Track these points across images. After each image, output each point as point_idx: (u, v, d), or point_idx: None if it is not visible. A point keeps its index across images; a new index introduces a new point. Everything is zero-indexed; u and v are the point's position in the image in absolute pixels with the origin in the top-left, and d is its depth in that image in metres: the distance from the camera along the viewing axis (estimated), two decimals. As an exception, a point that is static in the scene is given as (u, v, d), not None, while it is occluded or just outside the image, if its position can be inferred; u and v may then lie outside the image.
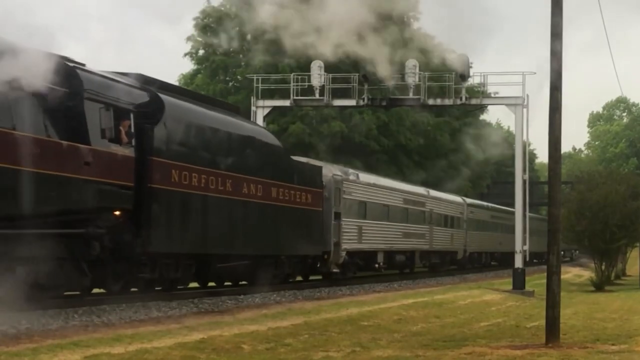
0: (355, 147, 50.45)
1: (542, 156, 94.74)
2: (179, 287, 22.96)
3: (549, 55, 15.76)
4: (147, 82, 21.11)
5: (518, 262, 33.93)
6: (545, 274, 15.95)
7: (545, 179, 64.45)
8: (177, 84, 57.07)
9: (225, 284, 26.16)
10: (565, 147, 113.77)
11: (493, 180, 76.01)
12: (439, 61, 34.48)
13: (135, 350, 12.73)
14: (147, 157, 19.68)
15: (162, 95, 20.81)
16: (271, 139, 26.95)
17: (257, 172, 24.58)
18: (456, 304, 25.40)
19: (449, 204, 47.10)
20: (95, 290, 20.39)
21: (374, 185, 35.81)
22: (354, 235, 32.46)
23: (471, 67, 34.46)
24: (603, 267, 42.83)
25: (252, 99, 36.16)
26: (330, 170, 31.16)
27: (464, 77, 34.25)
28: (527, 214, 34.63)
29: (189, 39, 55.37)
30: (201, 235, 21.96)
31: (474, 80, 37.52)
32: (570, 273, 54.46)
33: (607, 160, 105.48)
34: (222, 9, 54.78)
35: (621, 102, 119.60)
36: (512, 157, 36.18)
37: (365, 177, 35.67)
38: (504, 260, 57.94)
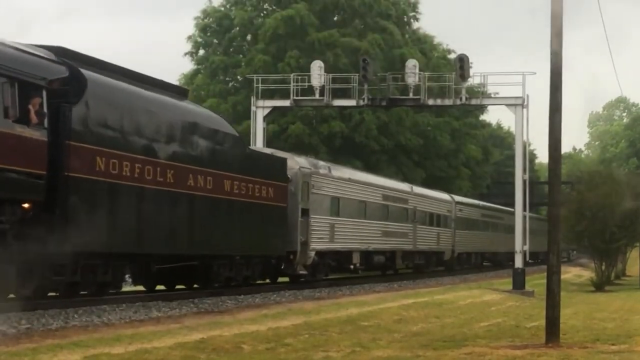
0: (355, 147, 50.47)
1: (542, 156, 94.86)
2: (111, 291, 20.30)
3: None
4: (67, 56, 18.42)
5: (518, 262, 33.94)
6: (545, 274, 15.95)
7: (545, 179, 64.50)
8: (177, 84, 57.35)
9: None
10: (565, 148, 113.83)
11: (493, 180, 76.00)
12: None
13: (135, 350, 12.73)
14: (63, 141, 17.08)
15: (84, 71, 18.14)
16: (225, 126, 24.15)
17: (207, 163, 22.04)
18: (456, 304, 25.39)
19: (435, 201, 44.70)
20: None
21: (349, 180, 33.08)
22: (324, 234, 30.04)
23: (471, 67, 34.50)
24: (603, 267, 42.83)
25: (252, 99, 36.16)
26: (297, 163, 28.68)
27: (463, 76, 34.24)
28: (527, 213, 34.62)
29: (189, 38, 55.43)
30: (135, 232, 19.51)
31: (474, 80, 37.58)
32: (570, 273, 54.42)
33: (607, 160, 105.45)
34: (222, 9, 54.86)
35: (621, 102, 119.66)
36: (512, 157, 36.21)
37: (339, 171, 32.98)
38: (496, 260, 57.73)
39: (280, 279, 29.61)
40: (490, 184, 74.07)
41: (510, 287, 33.40)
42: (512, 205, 36.12)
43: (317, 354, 13.52)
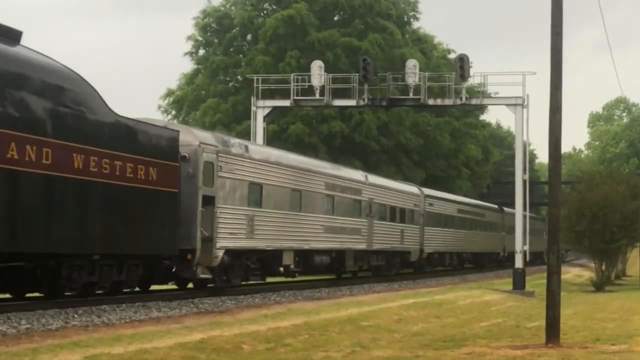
0: (356, 147, 50.50)
1: (542, 156, 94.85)
2: None
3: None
4: None
5: (518, 263, 33.94)
6: (545, 274, 15.96)
7: (545, 179, 64.48)
8: (177, 83, 57.42)
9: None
10: (565, 147, 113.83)
11: (493, 180, 76.05)
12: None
13: (135, 350, 12.73)
14: None
15: None
16: (80, 83, 18.40)
17: (45, 130, 16.96)
18: (456, 304, 25.39)
19: (398, 193, 38.99)
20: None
21: (277, 163, 27.38)
22: (239, 229, 24.58)
23: (471, 66, 34.53)
24: (603, 267, 42.85)
25: (253, 99, 36.16)
26: (197, 138, 23.08)
27: (463, 76, 34.25)
28: (527, 213, 34.62)
29: (189, 38, 55.45)
30: None
31: (474, 80, 37.60)
32: (570, 273, 54.45)
33: (607, 160, 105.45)
34: (222, 8, 54.88)
35: (621, 102, 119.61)
36: (512, 157, 36.20)
37: (261, 152, 27.30)
38: (476, 261, 54.13)
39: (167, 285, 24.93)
40: (491, 184, 74.09)
41: (510, 287, 33.39)
42: (513, 205, 36.09)
43: (317, 354, 13.52)
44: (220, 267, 23.79)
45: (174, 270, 22.93)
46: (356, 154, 50.02)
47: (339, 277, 34.30)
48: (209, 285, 24.32)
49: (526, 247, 34.29)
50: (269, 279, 29.25)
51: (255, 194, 25.73)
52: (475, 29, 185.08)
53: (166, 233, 21.12)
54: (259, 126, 35.33)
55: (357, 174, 35.14)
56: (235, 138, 27.32)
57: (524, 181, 34.14)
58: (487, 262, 56.25)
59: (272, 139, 40.72)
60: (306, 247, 28.83)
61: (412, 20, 58.54)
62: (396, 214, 38.19)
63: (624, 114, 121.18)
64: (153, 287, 23.46)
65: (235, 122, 49.49)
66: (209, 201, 22.88)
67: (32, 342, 13.30)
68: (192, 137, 22.86)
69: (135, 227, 19.95)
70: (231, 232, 24.10)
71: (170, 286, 25.09)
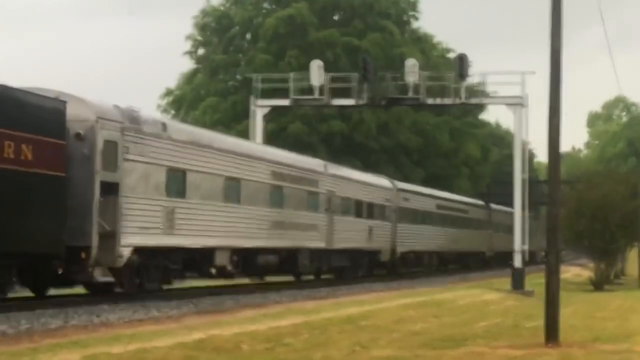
0: (355, 146, 50.53)
1: (541, 155, 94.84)
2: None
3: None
4: None
5: (517, 262, 33.95)
6: (544, 273, 15.95)
7: (544, 178, 64.46)
8: (176, 83, 57.45)
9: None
10: (565, 147, 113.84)
11: (493, 180, 76.03)
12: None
13: (135, 350, 12.72)
14: None
15: None
16: None
17: None
18: (455, 304, 25.39)
19: (365, 186, 35.11)
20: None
21: (206, 146, 23.31)
22: (154, 222, 20.75)
23: (470, 66, 34.57)
24: (602, 266, 42.84)
25: (252, 99, 36.15)
26: (94, 111, 19.04)
27: (462, 75, 34.27)
28: (525, 211, 34.65)
29: (188, 37, 55.49)
30: None
31: (473, 79, 37.64)
32: (569, 273, 54.44)
33: (606, 159, 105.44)
34: (222, 8, 54.93)
35: (620, 102, 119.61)
36: (512, 157, 36.23)
37: (184, 131, 23.13)
38: (460, 261, 50.87)
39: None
40: (490, 183, 74.05)
41: (509, 286, 33.40)
42: (512, 204, 36.09)
43: (317, 353, 13.51)
44: (129, 268, 19.91)
45: (60, 272, 18.84)
46: (356, 154, 50.05)
47: (297, 280, 30.86)
48: (116, 290, 20.70)
49: (525, 247, 34.31)
50: (269, 279, 29.10)
51: (177, 182, 21.81)
52: (475, 29, 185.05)
53: (48, 226, 17.73)
54: (258, 126, 35.33)
55: (314, 163, 31.16)
56: (152, 114, 22.30)
57: (523, 180, 34.17)
58: (472, 262, 53.12)
59: (271, 139, 40.76)
60: (247, 245, 25.04)
61: (411, 19, 58.63)
62: (363, 209, 34.46)
63: (623, 114, 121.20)
64: (63, 292, 20.64)
65: (235, 121, 49.52)
66: (111, 189, 19.04)
67: (31, 341, 13.30)
68: (87, 110, 18.86)
69: (1, 219, 16.61)
70: (142, 226, 20.17)
71: (76, 290, 21.60)
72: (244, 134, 38.36)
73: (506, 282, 35.51)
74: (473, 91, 39.43)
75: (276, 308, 21.11)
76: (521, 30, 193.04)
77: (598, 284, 39.12)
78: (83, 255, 18.44)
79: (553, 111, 15.61)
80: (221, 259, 23.82)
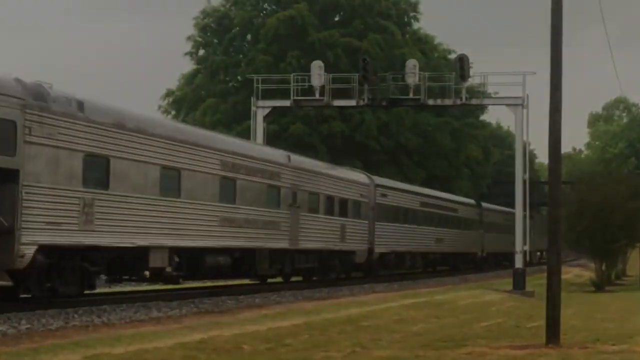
0: (356, 147, 50.52)
1: (542, 156, 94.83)
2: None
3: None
4: None
5: (518, 263, 33.94)
6: (546, 274, 15.96)
7: (545, 178, 64.45)
8: (177, 83, 57.49)
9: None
10: (565, 148, 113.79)
11: (493, 180, 76.06)
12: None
13: (136, 350, 12.72)
14: None
15: None
16: None
17: None
18: (456, 304, 25.38)
19: (337, 180, 32.12)
20: (99, 290, 20.34)
21: (137, 130, 20.26)
22: (66, 217, 17.92)
23: (471, 67, 34.55)
24: (603, 267, 42.85)
25: (253, 100, 36.16)
26: None
27: (463, 76, 34.26)
28: (527, 212, 34.62)
29: (188, 38, 55.51)
30: None
31: (474, 80, 37.66)
32: (570, 273, 54.44)
33: (607, 160, 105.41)
34: (222, 8, 54.95)
35: (620, 102, 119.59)
36: (513, 157, 36.22)
37: (107, 112, 19.55)
38: (449, 262, 48.51)
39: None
40: (491, 184, 74.09)
41: (510, 287, 33.39)
42: (513, 205, 36.07)
43: (317, 354, 13.51)
44: (35, 270, 17.30)
45: None
46: (356, 154, 50.05)
47: (263, 282, 28.67)
48: (21, 296, 18.23)
49: (526, 247, 34.29)
50: (269, 280, 29.07)
51: (98, 171, 18.91)
52: (476, 29, 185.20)
53: None
54: (259, 126, 35.35)
55: (275, 153, 28.23)
56: (67, 91, 18.55)
57: (524, 181, 34.16)
58: (462, 263, 50.82)
59: (272, 139, 40.77)
60: (190, 244, 22.23)
61: (412, 20, 58.64)
62: (334, 206, 31.55)
63: (624, 114, 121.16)
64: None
65: (236, 122, 49.54)
66: (7, 176, 16.43)
67: (32, 342, 13.30)
68: None
69: None
70: (51, 221, 17.45)
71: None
72: (245, 134, 38.36)
73: (507, 282, 35.51)
74: (474, 92, 39.44)
75: (276, 308, 21.12)
76: (522, 31, 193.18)
77: (599, 285, 39.13)
78: None
79: (554, 111, 15.61)
80: (157, 260, 20.79)
